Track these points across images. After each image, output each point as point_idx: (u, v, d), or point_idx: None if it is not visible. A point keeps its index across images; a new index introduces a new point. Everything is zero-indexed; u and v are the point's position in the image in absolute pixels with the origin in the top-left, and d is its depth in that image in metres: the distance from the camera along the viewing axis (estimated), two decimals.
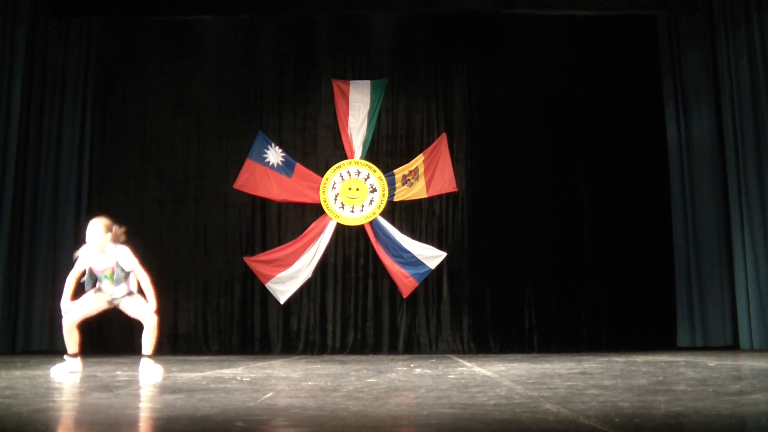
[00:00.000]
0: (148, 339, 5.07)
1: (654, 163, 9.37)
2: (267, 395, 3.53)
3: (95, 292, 5.19)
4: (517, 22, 9.63)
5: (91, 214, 9.12)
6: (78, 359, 5.16)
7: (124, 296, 5.18)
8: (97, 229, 5.12)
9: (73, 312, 5.11)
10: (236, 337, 9.21)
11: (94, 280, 5.16)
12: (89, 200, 9.25)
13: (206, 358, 7.78)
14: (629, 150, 9.46)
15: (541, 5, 8.79)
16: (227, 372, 5.26)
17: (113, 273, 5.13)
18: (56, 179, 9.04)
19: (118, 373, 5.16)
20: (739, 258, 8.44)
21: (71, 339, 5.14)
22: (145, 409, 3.13)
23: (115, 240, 5.18)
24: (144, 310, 5.11)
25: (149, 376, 4.83)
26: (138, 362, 5.22)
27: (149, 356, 5.07)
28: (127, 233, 5.29)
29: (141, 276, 5.11)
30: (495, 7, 8.94)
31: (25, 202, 8.72)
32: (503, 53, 9.80)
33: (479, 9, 9.04)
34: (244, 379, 4.55)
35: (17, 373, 5.11)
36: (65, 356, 5.16)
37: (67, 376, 4.83)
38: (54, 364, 6.00)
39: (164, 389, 3.99)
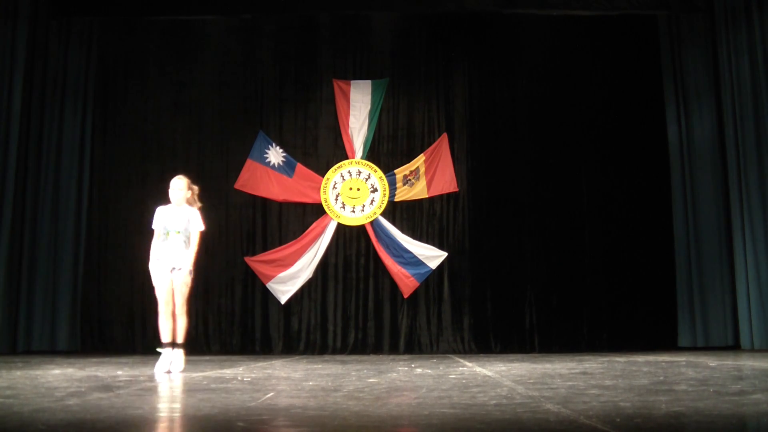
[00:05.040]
0: (178, 325, 5.30)
1: (655, 162, 9.36)
2: (268, 395, 3.53)
3: (158, 262, 5.35)
4: (518, 22, 9.63)
5: (92, 214, 9.26)
6: (171, 349, 5.27)
7: (181, 269, 5.32)
8: (182, 184, 5.54)
9: (161, 299, 5.29)
10: (237, 337, 9.21)
11: (165, 232, 5.39)
12: (90, 200, 9.25)
13: (207, 358, 7.78)
14: (630, 150, 9.45)
15: (542, 5, 8.77)
16: (228, 372, 5.26)
17: (182, 231, 5.40)
18: (57, 179, 9.04)
19: (119, 372, 5.16)
20: (740, 258, 8.44)
21: (166, 327, 5.29)
22: (146, 409, 3.13)
23: (193, 199, 5.59)
24: (182, 298, 5.31)
25: (174, 366, 5.04)
26: (139, 361, 5.23)
27: (180, 345, 5.28)
28: (201, 194, 5.74)
29: (195, 239, 5.43)
30: (495, 7, 8.93)
31: (26, 202, 8.72)
32: (504, 53, 9.79)
33: (480, 9, 9.03)
34: (245, 379, 4.55)
35: (18, 373, 5.11)
36: (159, 349, 5.28)
37: (162, 374, 4.91)
38: (54, 364, 6.00)
39: (165, 389, 3.99)
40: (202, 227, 5.48)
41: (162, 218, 5.48)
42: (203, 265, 9.35)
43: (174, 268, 5.34)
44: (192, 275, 5.42)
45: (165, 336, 5.26)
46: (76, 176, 9.16)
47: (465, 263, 9.35)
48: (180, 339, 5.29)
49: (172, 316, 5.32)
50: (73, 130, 9.21)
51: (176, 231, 5.39)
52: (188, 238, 5.44)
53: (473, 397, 3.30)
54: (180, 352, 5.28)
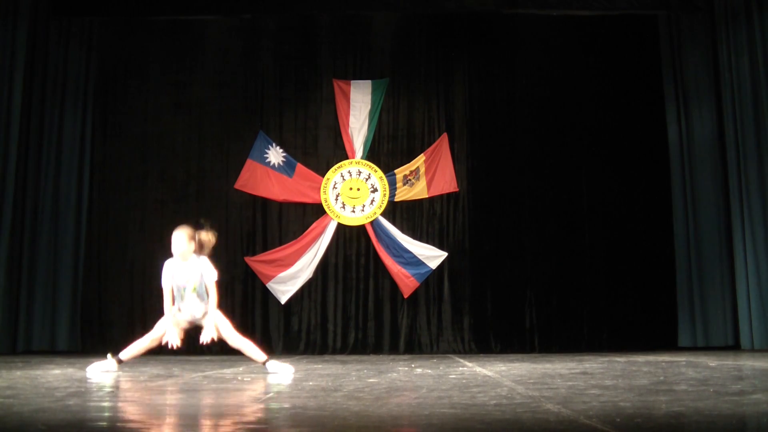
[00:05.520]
0: (249, 350, 5.08)
1: (655, 162, 9.36)
2: (268, 395, 3.53)
3: (179, 313, 5.14)
4: (518, 21, 9.62)
5: (92, 214, 9.26)
6: (117, 365, 5.14)
7: (205, 316, 5.10)
8: (181, 239, 5.11)
9: (153, 334, 5.11)
10: None
11: (181, 290, 5.10)
12: (90, 200, 9.25)
13: (207, 357, 7.78)
14: (630, 150, 9.45)
15: (542, 5, 8.77)
16: (228, 372, 5.26)
17: (197, 286, 5.10)
18: (57, 179, 9.04)
19: (119, 373, 5.16)
20: (740, 258, 8.44)
21: (135, 350, 5.14)
22: (146, 409, 3.12)
23: (200, 249, 5.20)
24: (231, 335, 5.08)
25: (282, 375, 4.81)
26: (139, 362, 5.22)
27: (267, 360, 5.02)
28: (215, 235, 5.33)
29: (212, 289, 5.08)
30: (496, 7, 8.93)
31: (26, 202, 8.71)
32: (504, 53, 9.79)
33: (480, 9, 9.03)
34: (245, 379, 4.55)
35: (18, 373, 5.11)
36: (110, 354, 5.15)
37: (101, 375, 4.85)
38: (55, 364, 6.00)
39: (165, 389, 3.99)
40: (214, 276, 5.14)
41: (172, 277, 5.15)
42: None
43: (196, 318, 5.15)
44: (217, 317, 5.10)
45: (126, 353, 5.14)
46: (76, 176, 9.15)
47: (465, 263, 9.35)
48: (261, 357, 5.05)
49: (146, 351, 5.18)
50: (73, 130, 9.20)
51: (192, 289, 5.13)
52: (204, 290, 5.13)
53: (473, 397, 3.30)
54: (276, 364, 5.03)
